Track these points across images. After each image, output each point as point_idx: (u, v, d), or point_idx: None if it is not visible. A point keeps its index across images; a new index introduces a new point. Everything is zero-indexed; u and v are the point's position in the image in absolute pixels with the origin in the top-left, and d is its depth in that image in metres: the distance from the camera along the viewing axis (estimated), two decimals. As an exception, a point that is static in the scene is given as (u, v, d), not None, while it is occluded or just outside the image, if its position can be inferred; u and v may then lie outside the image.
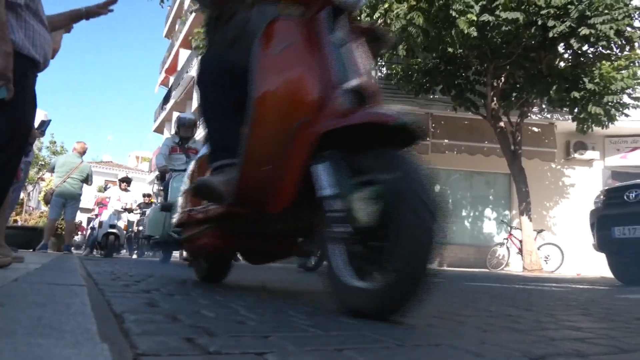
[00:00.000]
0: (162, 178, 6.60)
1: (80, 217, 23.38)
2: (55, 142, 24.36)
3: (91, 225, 12.68)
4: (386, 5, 9.08)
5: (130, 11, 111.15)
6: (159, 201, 7.78)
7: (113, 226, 9.46)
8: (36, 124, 4.94)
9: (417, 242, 1.30)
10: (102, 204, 10.46)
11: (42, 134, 6.05)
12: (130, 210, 11.06)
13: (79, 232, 18.00)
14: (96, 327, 0.88)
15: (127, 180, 11.00)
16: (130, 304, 1.53)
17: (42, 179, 8.85)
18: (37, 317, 0.92)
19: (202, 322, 1.24)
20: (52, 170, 8.20)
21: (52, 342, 0.74)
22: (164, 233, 5.34)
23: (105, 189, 14.69)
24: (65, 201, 8.00)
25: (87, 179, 8.26)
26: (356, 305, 1.47)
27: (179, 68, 25.45)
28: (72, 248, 9.37)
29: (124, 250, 15.19)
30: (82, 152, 8.54)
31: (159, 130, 30.95)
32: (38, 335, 0.77)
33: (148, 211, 7.50)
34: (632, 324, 1.75)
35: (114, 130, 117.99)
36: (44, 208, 10.02)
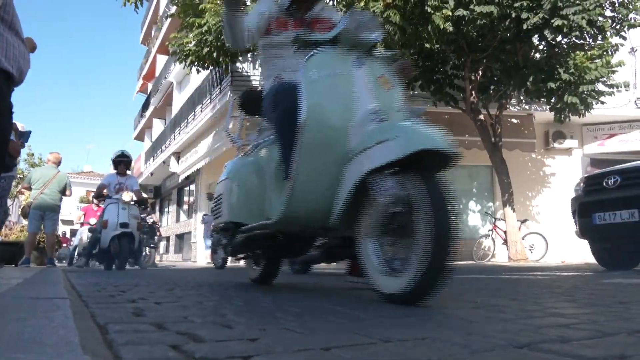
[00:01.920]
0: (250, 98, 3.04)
1: (64, 228, 23.07)
2: (33, 154, 24.03)
3: (82, 230, 11.44)
4: (362, 4, 9.10)
5: (104, 19, 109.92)
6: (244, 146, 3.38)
7: (125, 224, 6.86)
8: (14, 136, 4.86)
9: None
10: (103, 197, 7.36)
11: (23, 145, 5.97)
12: (142, 203, 7.77)
13: (63, 244, 17.66)
14: (79, 339, 0.86)
15: (125, 160, 7.71)
16: (114, 315, 1.51)
17: (22, 193, 8.59)
18: (17, 332, 0.90)
19: (189, 328, 1.23)
20: (28, 184, 8.01)
21: (32, 356, 0.72)
22: (276, 217, 2.34)
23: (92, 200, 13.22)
24: (43, 213, 7.86)
25: (65, 189, 8.13)
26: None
27: (156, 74, 25.25)
28: (56, 261, 9.21)
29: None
30: (57, 163, 8.40)
31: (140, 137, 30.67)
32: (18, 350, 0.76)
33: (222, 175, 3.18)
34: (615, 308, 1.78)
35: (93, 140, 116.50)
36: (24, 222, 9.68)
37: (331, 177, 2.09)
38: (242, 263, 9.09)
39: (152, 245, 11.28)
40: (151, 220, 12.00)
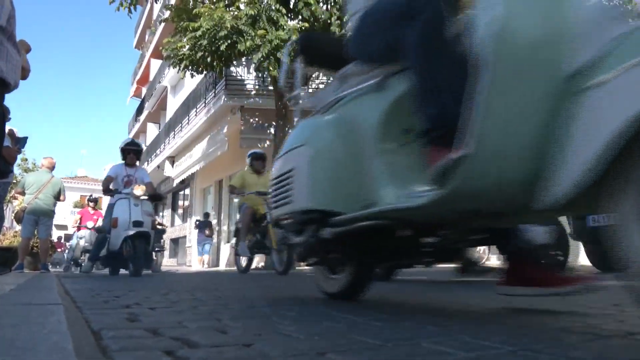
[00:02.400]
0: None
1: (59, 233, 22.94)
2: (26, 159, 23.96)
3: (79, 234, 10.88)
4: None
5: (98, 23, 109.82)
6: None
7: (139, 223, 5.81)
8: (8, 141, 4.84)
9: None
10: (111, 191, 6.18)
11: (19, 151, 5.95)
12: (156, 197, 6.61)
13: (57, 249, 17.50)
14: (72, 345, 0.86)
15: (134, 149, 6.67)
16: (109, 320, 1.50)
17: (15, 198, 8.52)
18: (10, 339, 0.90)
19: (184, 334, 1.23)
20: (21, 188, 7.97)
21: (26, 364, 0.72)
22: (435, 196, 1.39)
23: (92, 200, 11.83)
24: (37, 218, 7.82)
25: (59, 195, 8.09)
26: None
27: (150, 78, 25.21)
28: (50, 266, 9.15)
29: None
30: (51, 167, 8.36)
31: (134, 142, 30.56)
32: (11, 358, 0.75)
33: (290, 141, 2.13)
34: (609, 310, 1.79)
35: (87, 144, 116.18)
36: (18, 227, 9.58)
37: (540, 122, 1.27)
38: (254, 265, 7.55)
39: (157, 249, 10.66)
40: (156, 222, 11.70)
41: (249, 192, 6.89)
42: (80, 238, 10.91)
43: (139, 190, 5.97)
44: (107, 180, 6.47)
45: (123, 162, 6.58)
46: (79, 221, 11.28)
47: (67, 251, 13.59)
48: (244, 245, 6.82)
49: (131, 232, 5.72)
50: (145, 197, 6.08)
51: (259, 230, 6.82)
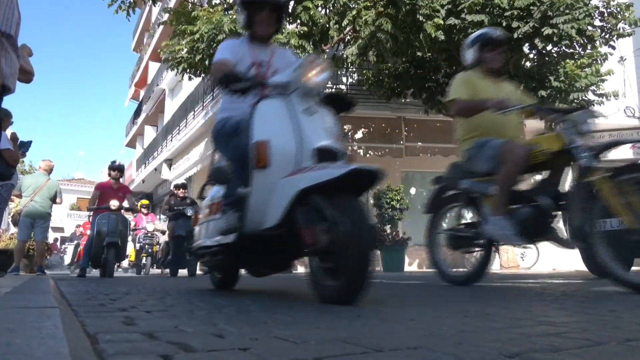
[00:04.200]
0: None
1: (55, 235, 22.84)
2: (23, 162, 23.94)
3: (100, 218, 7.30)
4: (354, 12, 9.16)
5: (97, 26, 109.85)
6: None
7: (328, 153, 2.34)
8: (8, 143, 4.83)
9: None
10: (239, 86, 2.49)
11: (24, 155, 5.97)
12: (346, 104, 2.77)
13: (53, 251, 17.42)
14: (68, 350, 0.86)
15: (271, 3, 2.95)
16: (105, 324, 1.49)
17: (11, 200, 8.50)
18: (5, 344, 0.89)
19: (180, 338, 1.22)
20: (18, 191, 7.95)
21: (21, 368, 0.72)
22: None
23: (115, 168, 8.13)
24: (33, 221, 7.81)
25: (55, 197, 8.07)
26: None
27: (148, 81, 25.23)
28: (45, 269, 9.13)
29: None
30: (49, 170, 8.36)
31: (131, 144, 30.58)
32: (7, 363, 0.75)
33: None
34: (606, 316, 1.79)
35: (84, 146, 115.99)
36: (14, 230, 9.52)
37: None
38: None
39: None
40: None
41: (518, 105, 3.42)
42: (102, 225, 7.38)
43: (317, 72, 2.50)
44: (224, 65, 2.85)
45: (245, 36, 3.12)
46: (97, 200, 7.79)
47: (62, 253, 13.32)
48: (503, 223, 3.42)
49: (315, 179, 2.15)
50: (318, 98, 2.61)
51: (539, 189, 3.51)
